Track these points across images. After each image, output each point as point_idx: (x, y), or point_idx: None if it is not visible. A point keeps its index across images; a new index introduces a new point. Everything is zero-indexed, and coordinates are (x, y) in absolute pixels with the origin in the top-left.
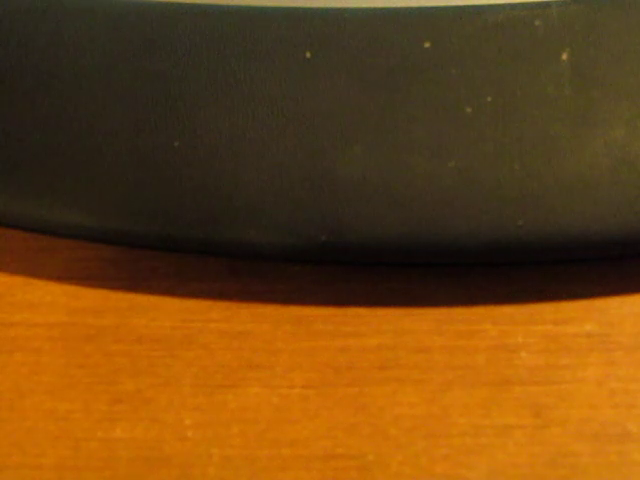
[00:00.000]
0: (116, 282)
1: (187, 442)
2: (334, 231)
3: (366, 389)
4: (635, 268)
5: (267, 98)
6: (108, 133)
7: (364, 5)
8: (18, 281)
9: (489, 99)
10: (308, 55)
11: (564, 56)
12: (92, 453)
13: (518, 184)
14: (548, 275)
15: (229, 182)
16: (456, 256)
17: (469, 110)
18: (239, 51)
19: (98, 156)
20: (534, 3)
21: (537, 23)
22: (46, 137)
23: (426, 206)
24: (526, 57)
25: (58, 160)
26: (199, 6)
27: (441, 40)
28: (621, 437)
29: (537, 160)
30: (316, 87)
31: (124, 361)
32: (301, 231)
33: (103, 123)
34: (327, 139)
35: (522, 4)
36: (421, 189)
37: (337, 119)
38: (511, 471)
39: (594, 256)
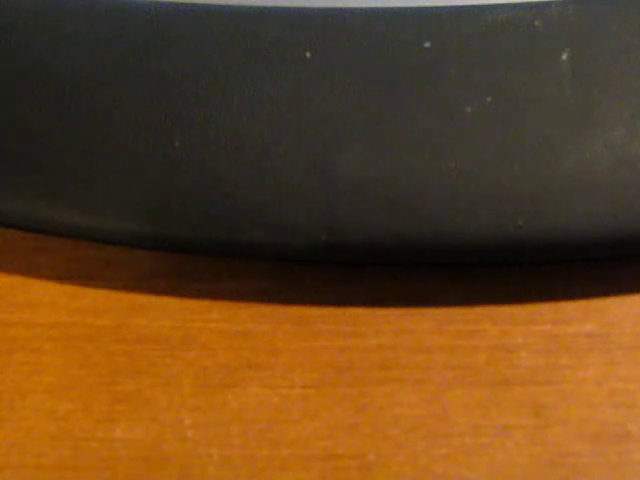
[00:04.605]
0: (116, 282)
1: (187, 442)
2: (334, 231)
3: (366, 389)
4: (635, 268)
5: (267, 98)
6: (108, 133)
7: (364, 5)
8: (18, 281)
9: (489, 99)
10: (308, 55)
11: (564, 56)
12: (92, 453)
13: (518, 184)
14: (548, 275)
15: (229, 182)
16: (456, 256)
17: (469, 110)
18: (239, 51)
19: (98, 156)
20: (534, 3)
21: (537, 23)
22: (46, 137)
23: (426, 206)
24: (526, 57)
25: (58, 160)
26: (199, 6)
27: (441, 40)
28: (621, 437)
29: (537, 160)
30: (316, 87)
31: (124, 361)
32: (301, 231)
33: (103, 123)
34: (327, 139)
35: (522, 4)
36: (421, 189)
37: (337, 119)
38: (511, 471)
39: (594, 256)
